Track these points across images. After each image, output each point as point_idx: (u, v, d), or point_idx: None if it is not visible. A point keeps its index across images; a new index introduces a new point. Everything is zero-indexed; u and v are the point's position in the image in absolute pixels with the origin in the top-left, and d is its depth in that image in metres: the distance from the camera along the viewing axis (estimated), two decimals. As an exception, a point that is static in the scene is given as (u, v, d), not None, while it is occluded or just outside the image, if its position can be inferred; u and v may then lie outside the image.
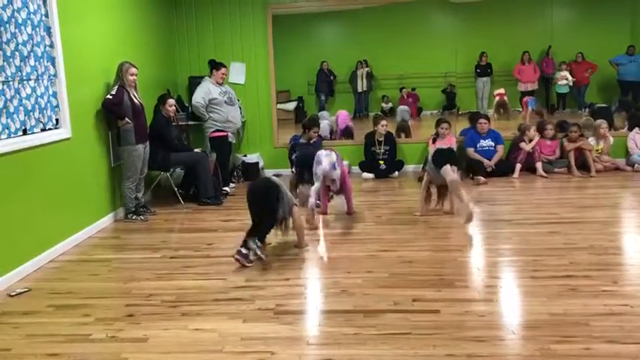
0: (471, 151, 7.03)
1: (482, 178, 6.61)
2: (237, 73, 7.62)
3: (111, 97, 5.11)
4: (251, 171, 7.38)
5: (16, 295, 3.63)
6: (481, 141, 7.06)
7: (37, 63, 4.29)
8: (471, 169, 6.82)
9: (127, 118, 5.20)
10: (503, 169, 6.94)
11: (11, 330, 3.12)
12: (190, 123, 7.17)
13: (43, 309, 3.41)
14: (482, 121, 7.11)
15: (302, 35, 13.52)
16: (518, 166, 6.93)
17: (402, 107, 9.96)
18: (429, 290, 3.45)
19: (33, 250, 4.13)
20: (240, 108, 7.03)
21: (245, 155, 7.59)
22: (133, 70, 5.28)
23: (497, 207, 5.55)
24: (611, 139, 7.21)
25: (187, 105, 7.28)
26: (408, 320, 3.03)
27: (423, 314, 3.11)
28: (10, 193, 3.88)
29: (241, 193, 6.52)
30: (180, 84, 7.64)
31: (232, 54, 7.59)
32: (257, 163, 7.49)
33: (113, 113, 5.18)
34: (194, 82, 7.09)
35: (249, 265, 3.98)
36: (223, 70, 6.53)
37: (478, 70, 12.69)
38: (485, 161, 6.89)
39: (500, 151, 7.04)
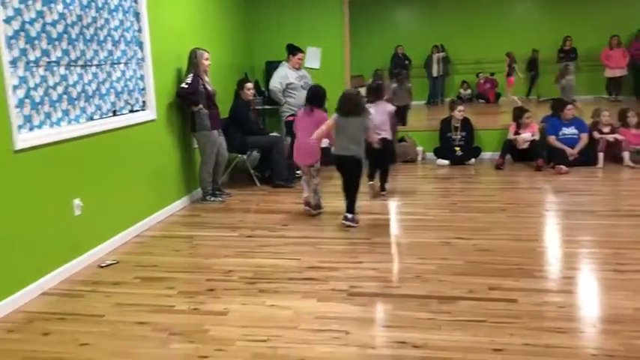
0: (552, 138, 6.76)
1: (564, 167, 6.35)
2: (312, 57, 7.67)
3: (186, 86, 5.16)
4: (322, 155, 7.42)
5: (105, 266, 3.88)
6: (564, 129, 6.78)
7: (126, 47, 4.51)
8: (553, 158, 6.57)
9: (200, 105, 5.26)
10: (586, 159, 6.63)
11: (103, 298, 3.34)
12: (266, 107, 7.31)
13: (130, 280, 3.62)
14: (570, 107, 6.81)
15: (377, 19, 13.45)
16: (601, 155, 6.61)
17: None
18: (506, 279, 3.38)
19: (121, 224, 4.38)
20: (315, 92, 7.07)
21: (318, 139, 7.64)
22: (207, 55, 5.34)
23: (579, 197, 5.33)
24: None
25: (264, 89, 7.43)
26: (483, 308, 3.00)
27: (499, 303, 3.06)
28: (101, 171, 4.12)
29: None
30: (257, 68, 7.78)
31: (309, 39, 7.63)
32: (328, 148, 7.52)
33: (187, 101, 5.25)
34: (271, 67, 7.20)
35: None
36: (300, 54, 6.59)
37: (561, 55, 12.15)
38: (568, 150, 6.61)
39: (585, 139, 6.72)
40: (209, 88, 5.37)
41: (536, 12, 13.21)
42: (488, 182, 6.17)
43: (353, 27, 7.79)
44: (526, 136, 6.84)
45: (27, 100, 3.40)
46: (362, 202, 5.10)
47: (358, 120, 4.57)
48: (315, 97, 5.00)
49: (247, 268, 3.72)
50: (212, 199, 5.58)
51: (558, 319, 2.84)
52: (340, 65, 7.71)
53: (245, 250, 4.13)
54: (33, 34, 3.43)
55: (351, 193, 4.64)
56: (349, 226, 4.53)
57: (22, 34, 3.35)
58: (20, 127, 3.33)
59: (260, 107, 7.27)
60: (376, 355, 2.56)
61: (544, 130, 6.95)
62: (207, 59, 5.32)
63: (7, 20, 3.22)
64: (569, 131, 6.77)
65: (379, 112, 5.38)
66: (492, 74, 13.18)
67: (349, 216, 4.58)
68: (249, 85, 6.16)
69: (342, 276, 3.54)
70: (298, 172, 6.64)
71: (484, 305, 3.03)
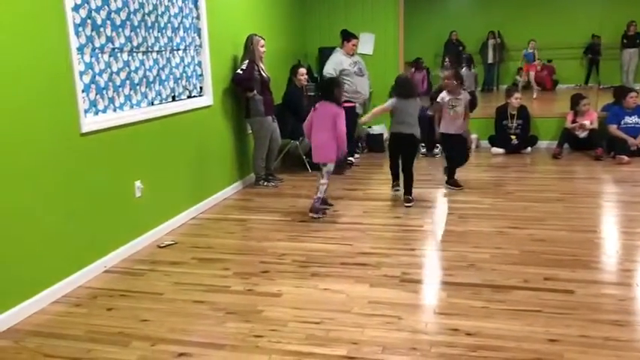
0: (613, 127, 6.52)
1: (625, 157, 6.13)
2: (366, 43, 7.63)
3: (241, 72, 5.24)
4: (375, 142, 7.43)
5: (164, 246, 4.01)
6: (626, 117, 6.53)
7: (185, 34, 4.61)
8: (613, 147, 6.35)
9: (255, 91, 5.32)
10: (650, 149, 6.38)
11: (162, 277, 3.47)
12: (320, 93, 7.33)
13: (187, 260, 3.74)
14: (633, 94, 6.54)
15: (432, 4, 13.19)
16: (665, 145, 6.35)
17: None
18: (563, 270, 3.31)
19: (178, 206, 4.52)
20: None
21: (370, 127, 7.62)
22: (263, 42, 5.39)
23: (641, 189, 5.16)
24: None
25: (316, 76, 7.45)
26: (539, 298, 2.95)
27: (555, 293, 3.01)
28: (161, 155, 4.25)
29: (365, 164, 6.63)
30: (310, 55, 7.81)
31: (362, 24, 7.59)
32: (381, 134, 7.51)
33: (242, 87, 5.33)
34: (324, 53, 7.21)
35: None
36: (354, 41, 6.56)
37: (625, 41, 11.65)
38: (630, 139, 6.37)
39: (648, 128, 6.46)
40: (264, 74, 5.43)
41: (598, -4, 12.67)
42: (544, 171, 6.02)
43: (407, 12, 7.69)
44: (586, 123, 6.63)
45: (93, 86, 3.54)
46: (415, 189, 5.08)
47: (415, 101, 4.94)
48: (323, 90, 4.79)
49: (300, 252, 3.79)
50: (265, 184, 5.67)
51: (617, 312, 2.77)
52: (394, 51, 7.65)
53: (297, 234, 4.19)
54: (99, 21, 3.56)
55: (406, 170, 4.90)
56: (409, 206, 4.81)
57: (89, 21, 3.48)
58: (86, 111, 3.47)
59: (312, 93, 7.30)
60: (428, 341, 2.57)
61: (605, 118, 6.72)
62: (262, 46, 5.38)
63: (76, 8, 3.35)
64: (632, 120, 6.52)
65: None
66: (550, 61, 12.77)
67: (410, 197, 4.85)
68: (303, 70, 6.20)
69: (395, 262, 3.55)
70: (350, 159, 6.67)
71: (539, 295, 2.99)
